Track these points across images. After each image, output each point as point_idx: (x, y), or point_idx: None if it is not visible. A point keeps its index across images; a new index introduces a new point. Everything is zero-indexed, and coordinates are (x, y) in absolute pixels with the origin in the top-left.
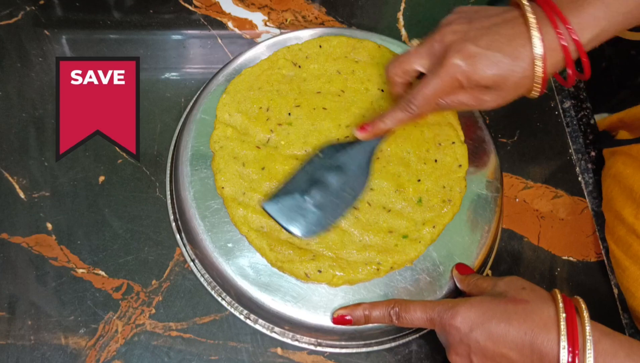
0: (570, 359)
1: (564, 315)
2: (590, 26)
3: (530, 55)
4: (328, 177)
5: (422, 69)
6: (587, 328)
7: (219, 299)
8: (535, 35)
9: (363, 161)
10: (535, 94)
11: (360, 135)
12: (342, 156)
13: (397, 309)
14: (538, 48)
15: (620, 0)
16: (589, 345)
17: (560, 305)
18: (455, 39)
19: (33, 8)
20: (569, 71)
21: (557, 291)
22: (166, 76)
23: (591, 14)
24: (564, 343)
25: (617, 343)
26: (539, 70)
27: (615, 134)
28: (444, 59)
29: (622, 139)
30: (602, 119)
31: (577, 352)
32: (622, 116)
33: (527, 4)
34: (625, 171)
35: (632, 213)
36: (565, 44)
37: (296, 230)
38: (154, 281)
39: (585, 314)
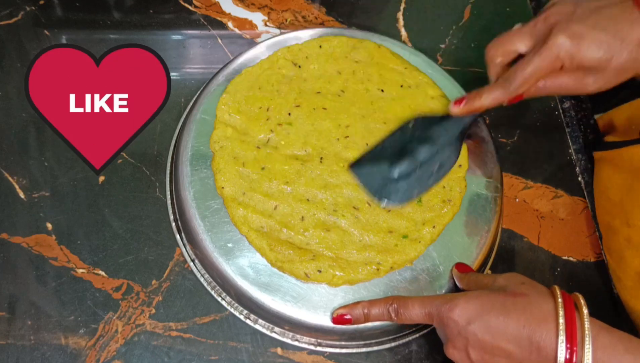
0: (568, 354)
1: (562, 310)
2: None
3: (638, 37)
4: (417, 148)
5: (524, 49)
6: (586, 323)
7: (219, 299)
8: None
9: (454, 137)
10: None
11: (454, 110)
12: (433, 129)
13: (395, 306)
14: None
15: None
16: (588, 340)
17: (559, 300)
18: (560, 19)
19: (33, 8)
20: None
21: (556, 287)
22: None
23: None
24: (562, 337)
25: (616, 338)
26: None
27: (607, 132)
28: (547, 38)
29: (610, 142)
30: (599, 117)
31: (575, 347)
32: (611, 117)
33: None
34: (613, 181)
35: (623, 222)
36: None
37: (377, 197)
38: (154, 281)
39: (585, 310)
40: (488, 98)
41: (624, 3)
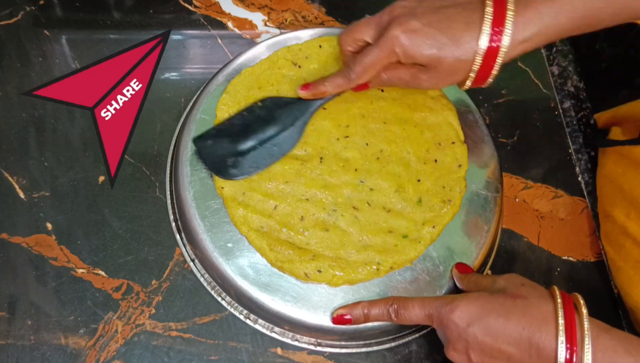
0: (568, 355)
1: (562, 310)
2: (534, 21)
3: (471, 43)
4: (262, 127)
5: (369, 39)
6: (586, 324)
7: (219, 299)
8: (486, 28)
9: (299, 119)
10: (467, 85)
11: (301, 93)
12: (280, 110)
13: (395, 306)
14: (483, 40)
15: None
16: (587, 340)
17: (559, 301)
18: (401, 13)
19: (33, 8)
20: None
21: (555, 288)
22: (166, 76)
23: (538, 11)
24: (562, 338)
25: (616, 339)
26: (478, 60)
27: (609, 130)
28: (386, 31)
29: (615, 140)
30: (598, 115)
31: (575, 347)
32: (614, 113)
33: None
34: (616, 170)
35: (623, 213)
36: (496, 45)
37: (214, 171)
38: (153, 281)
39: (584, 310)
40: (332, 85)
41: (468, 5)
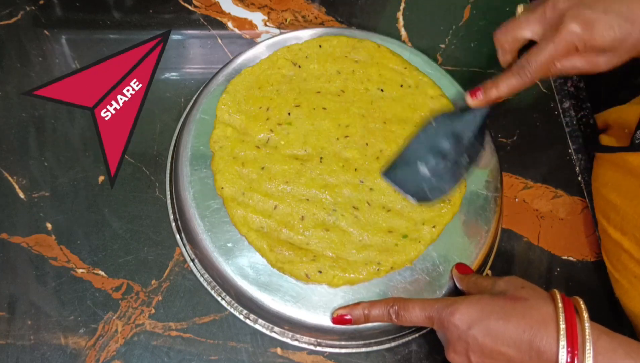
0: (569, 358)
1: (563, 314)
2: None
3: None
4: (443, 144)
5: (534, 37)
6: (587, 327)
7: (219, 299)
8: None
9: (476, 128)
10: None
11: (470, 101)
12: (454, 125)
13: (396, 307)
14: None
15: None
16: (588, 344)
17: (560, 304)
18: (570, 5)
19: (33, 8)
20: None
21: (556, 291)
22: (166, 75)
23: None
24: (563, 342)
25: (616, 342)
26: None
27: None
28: (560, 26)
29: (607, 146)
30: (598, 115)
31: (576, 351)
32: (606, 117)
33: None
34: (609, 183)
35: (617, 228)
36: None
37: (414, 197)
38: (153, 281)
39: (585, 314)
40: (505, 87)
41: None
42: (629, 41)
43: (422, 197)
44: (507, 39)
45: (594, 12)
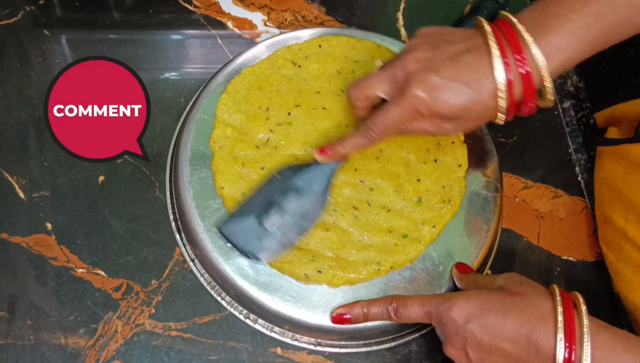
0: (566, 353)
1: (561, 308)
2: (557, 55)
3: (492, 86)
4: (285, 199)
5: (383, 95)
6: (585, 321)
7: (219, 299)
8: (498, 65)
9: (321, 184)
10: (500, 121)
11: (319, 158)
12: (299, 178)
13: (394, 305)
14: (500, 78)
15: (584, 27)
16: (586, 338)
17: (558, 298)
18: (417, 68)
19: (33, 8)
20: (529, 103)
21: (555, 286)
22: (166, 75)
23: (556, 44)
24: (560, 335)
25: (615, 337)
26: (502, 102)
27: (607, 130)
28: (405, 89)
29: (611, 138)
30: (598, 114)
31: (574, 345)
32: (612, 112)
33: (490, 30)
34: (614, 173)
35: (622, 216)
36: (524, 71)
37: (252, 253)
38: (153, 281)
39: (583, 308)
40: (351, 146)
41: (480, 48)
42: (474, 110)
43: (254, 254)
44: (358, 96)
45: (439, 78)
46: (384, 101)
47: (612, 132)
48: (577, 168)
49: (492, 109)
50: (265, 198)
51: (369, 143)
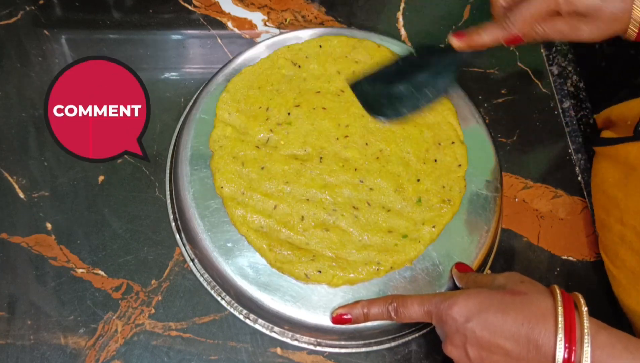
0: (566, 353)
1: (561, 308)
2: None
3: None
4: (413, 73)
5: None
6: (585, 322)
7: (219, 299)
8: None
9: (449, 68)
10: (631, 34)
11: (455, 42)
12: (431, 59)
13: (394, 304)
14: None
15: None
16: (587, 338)
17: (559, 298)
18: None
19: (33, 8)
20: None
21: (555, 286)
22: (166, 75)
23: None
24: (560, 335)
25: (615, 337)
26: (637, 11)
27: (605, 128)
28: None
29: (609, 138)
30: (597, 115)
31: (574, 346)
32: (609, 113)
33: None
34: (609, 178)
35: (618, 220)
36: None
37: (371, 113)
38: (153, 281)
39: (584, 309)
40: (488, 35)
41: None
42: (609, 9)
43: (377, 112)
44: None
45: None
46: None
47: (608, 134)
48: (577, 168)
49: (626, 12)
50: (396, 69)
51: (506, 34)
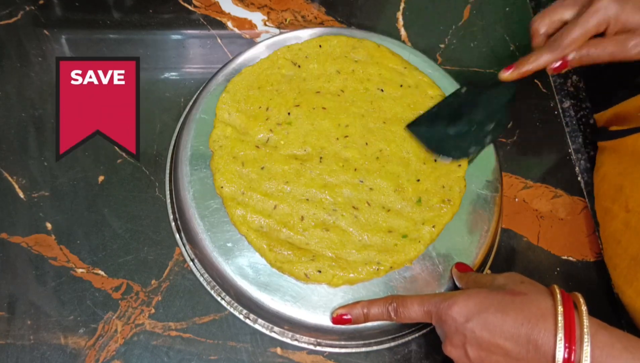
0: (566, 353)
1: (561, 308)
2: None
3: None
4: (471, 110)
5: (569, 17)
6: (585, 321)
7: (219, 299)
8: None
9: (504, 101)
10: None
11: (506, 75)
12: (484, 95)
13: (394, 305)
14: None
15: None
16: (586, 338)
17: (559, 298)
18: None
19: (33, 8)
20: None
21: (555, 286)
22: (166, 75)
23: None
24: (560, 335)
25: (615, 337)
26: None
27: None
28: (592, 3)
29: (617, 130)
30: (598, 115)
31: (573, 346)
32: (615, 111)
33: None
34: (615, 168)
35: (622, 207)
36: None
37: (435, 152)
38: (153, 281)
39: (584, 308)
40: (537, 61)
41: None
42: None
43: (443, 152)
44: (543, 22)
45: None
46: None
47: (614, 128)
48: (577, 168)
49: None
50: (452, 107)
51: (555, 56)
